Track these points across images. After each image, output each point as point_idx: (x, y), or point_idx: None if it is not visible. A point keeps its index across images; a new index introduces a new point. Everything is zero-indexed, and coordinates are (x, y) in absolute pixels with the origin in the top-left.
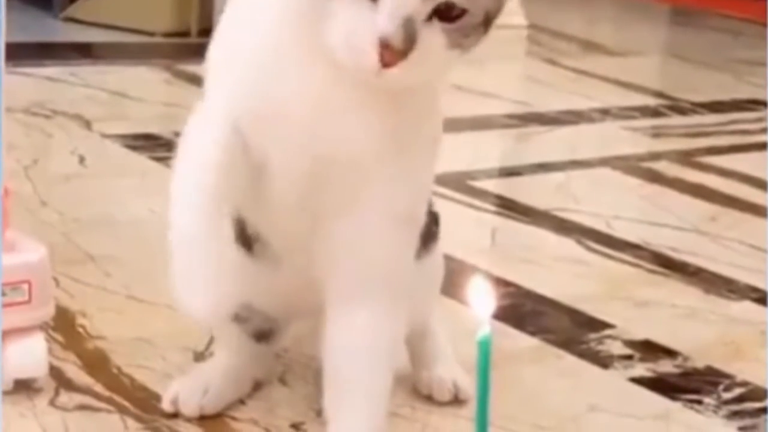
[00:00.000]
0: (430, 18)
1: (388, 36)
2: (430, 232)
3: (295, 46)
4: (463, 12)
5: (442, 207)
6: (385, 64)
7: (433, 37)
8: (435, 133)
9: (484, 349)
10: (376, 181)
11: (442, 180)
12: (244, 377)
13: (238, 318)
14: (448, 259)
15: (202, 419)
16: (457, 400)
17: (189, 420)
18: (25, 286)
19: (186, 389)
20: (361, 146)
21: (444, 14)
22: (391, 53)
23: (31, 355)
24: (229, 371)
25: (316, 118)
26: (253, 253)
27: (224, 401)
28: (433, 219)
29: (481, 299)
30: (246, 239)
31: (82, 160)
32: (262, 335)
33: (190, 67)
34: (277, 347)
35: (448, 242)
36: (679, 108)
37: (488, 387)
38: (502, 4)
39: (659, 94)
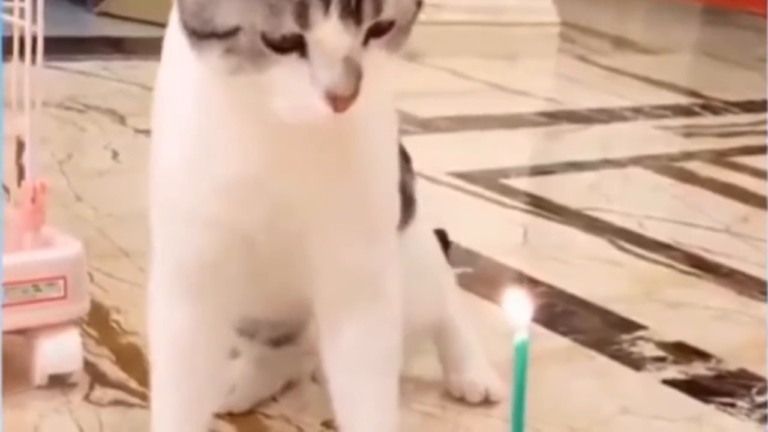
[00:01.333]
0: (365, 41)
1: (333, 87)
2: (405, 214)
3: (224, 126)
4: (392, 23)
5: (472, 205)
6: (339, 110)
7: (374, 58)
8: (389, 124)
9: (521, 354)
10: (344, 201)
11: (473, 178)
12: (272, 377)
13: (245, 332)
14: (477, 257)
15: (234, 416)
16: (487, 401)
17: (221, 417)
18: (61, 282)
19: None
20: (325, 182)
21: (376, 32)
22: (343, 100)
23: (65, 350)
24: (255, 371)
25: (273, 176)
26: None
27: (251, 400)
28: (408, 199)
29: (519, 303)
30: None
31: (115, 155)
32: (278, 341)
33: None
34: (303, 346)
35: (477, 240)
36: (711, 107)
37: (524, 392)
38: None
39: (691, 93)
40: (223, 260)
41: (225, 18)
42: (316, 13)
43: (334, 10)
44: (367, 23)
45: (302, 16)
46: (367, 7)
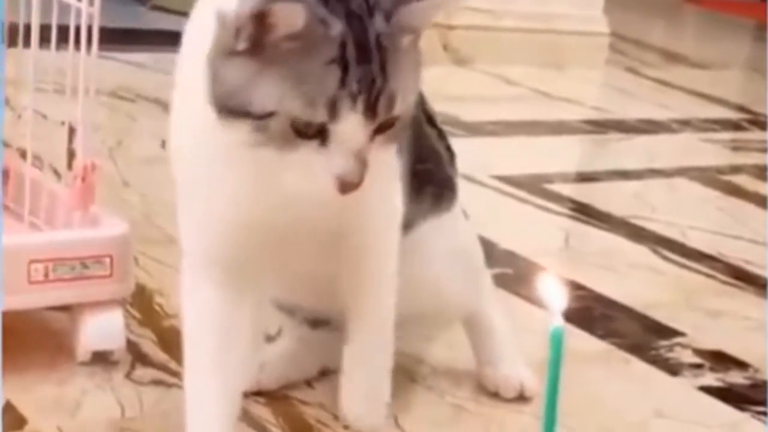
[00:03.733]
0: (372, 137)
1: (344, 174)
2: (443, 194)
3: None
4: (395, 119)
5: (515, 208)
6: (347, 192)
7: (379, 151)
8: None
9: (556, 342)
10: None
11: (517, 182)
12: (307, 360)
13: (285, 308)
14: (518, 258)
15: (271, 400)
16: (522, 397)
17: (258, 401)
18: (107, 261)
19: None
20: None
21: (381, 129)
22: (351, 184)
23: (109, 328)
24: (288, 352)
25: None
26: None
27: (282, 379)
28: (449, 182)
29: (553, 293)
30: None
31: (164, 144)
32: (316, 323)
33: None
34: (339, 332)
35: (519, 242)
36: (759, 122)
37: (558, 379)
38: (418, 85)
39: (740, 108)
40: (245, 257)
41: (263, 103)
42: (344, 107)
43: (360, 106)
44: (380, 120)
45: (333, 109)
46: (383, 106)
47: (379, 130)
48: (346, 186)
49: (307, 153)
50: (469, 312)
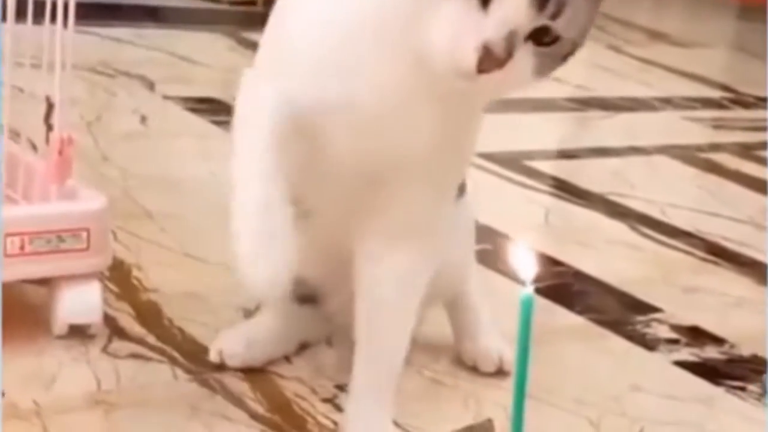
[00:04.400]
0: (526, 39)
1: (493, 43)
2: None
3: (377, 39)
4: (556, 39)
5: (496, 185)
6: (482, 69)
7: (525, 57)
8: (477, 128)
9: (526, 309)
10: (429, 164)
11: (498, 158)
12: (289, 336)
13: None
14: (498, 234)
15: (249, 374)
16: (500, 372)
17: (236, 375)
18: (84, 234)
19: (231, 342)
20: (422, 146)
21: (539, 38)
22: (491, 60)
23: (86, 301)
24: (273, 328)
25: (385, 115)
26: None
27: (267, 356)
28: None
29: (523, 263)
30: None
31: (143, 119)
32: (305, 299)
33: (255, 36)
34: (323, 311)
35: (499, 219)
36: (742, 101)
37: (528, 346)
38: (585, 39)
39: (723, 87)
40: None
41: None
42: None
43: None
44: (546, 15)
45: None
46: (553, 4)
47: (537, 39)
48: (488, 60)
49: (465, 9)
50: (458, 290)
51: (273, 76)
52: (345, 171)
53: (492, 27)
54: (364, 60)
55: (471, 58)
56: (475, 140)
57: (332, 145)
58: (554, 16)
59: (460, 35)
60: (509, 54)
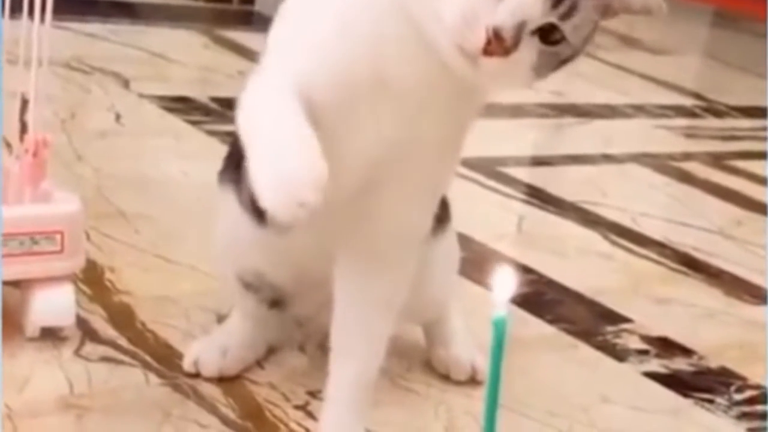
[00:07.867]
0: (533, 33)
1: (503, 28)
2: (444, 214)
3: (398, 13)
4: (561, 39)
5: (469, 191)
6: (487, 52)
7: (528, 52)
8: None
9: (499, 330)
10: (429, 160)
11: (472, 164)
12: (259, 341)
13: (250, 286)
14: (471, 242)
15: (222, 380)
16: (473, 381)
17: (208, 380)
18: (58, 237)
19: (206, 351)
20: (432, 135)
21: (545, 35)
22: (497, 45)
23: (59, 304)
24: (245, 335)
25: (407, 91)
26: (265, 223)
27: (242, 364)
28: (444, 202)
29: (503, 283)
30: (259, 210)
31: (118, 117)
32: (274, 303)
33: (230, 33)
34: (291, 315)
35: (472, 226)
36: (713, 110)
37: (500, 368)
38: (583, 50)
39: (695, 95)
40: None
41: None
42: None
43: None
44: (557, 13)
45: None
46: (564, 6)
47: (543, 35)
48: (495, 44)
49: None
50: (437, 317)
51: (292, 60)
52: (345, 171)
53: (505, 13)
54: (389, 31)
55: (479, 39)
56: (462, 149)
57: (348, 132)
58: (564, 16)
59: (472, 15)
60: (516, 43)
